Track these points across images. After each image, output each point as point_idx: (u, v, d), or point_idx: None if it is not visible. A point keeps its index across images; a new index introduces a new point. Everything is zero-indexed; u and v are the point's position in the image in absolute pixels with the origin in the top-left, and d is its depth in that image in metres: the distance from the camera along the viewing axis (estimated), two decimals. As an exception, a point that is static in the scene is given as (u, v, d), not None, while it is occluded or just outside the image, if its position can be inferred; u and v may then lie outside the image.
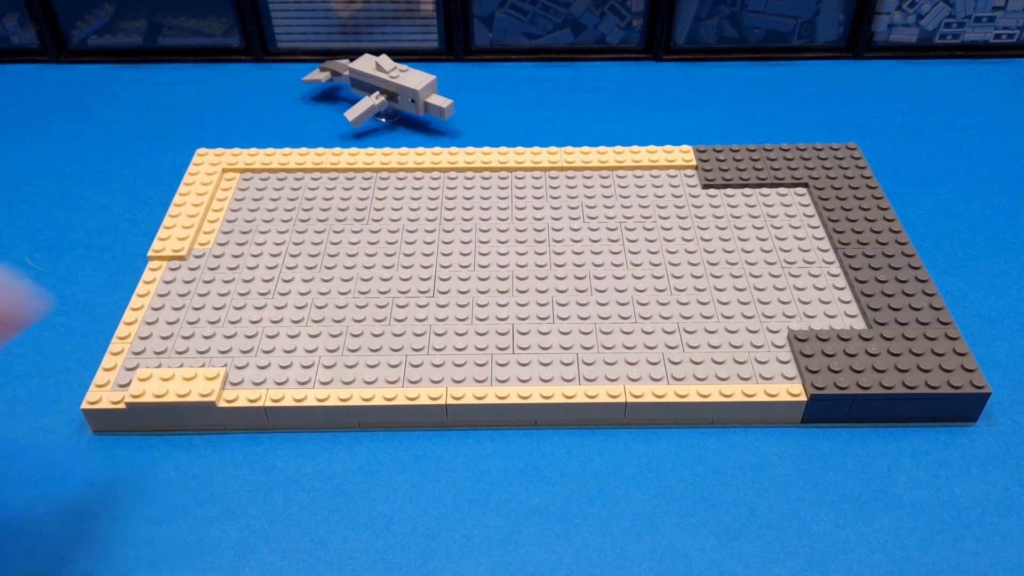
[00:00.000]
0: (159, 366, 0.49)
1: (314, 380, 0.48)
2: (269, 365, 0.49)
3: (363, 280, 0.55)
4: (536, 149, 0.65)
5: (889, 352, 0.48)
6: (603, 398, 0.47)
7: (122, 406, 0.47)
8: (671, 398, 0.47)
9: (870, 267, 0.54)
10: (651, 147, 0.65)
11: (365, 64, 0.74)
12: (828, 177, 0.62)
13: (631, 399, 0.47)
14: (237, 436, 0.48)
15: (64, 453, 0.47)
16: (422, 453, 0.47)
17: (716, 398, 0.47)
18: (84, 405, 0.47)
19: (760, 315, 0.52)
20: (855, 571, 0.41)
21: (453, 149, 0.65)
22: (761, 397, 0.47)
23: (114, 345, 0.50)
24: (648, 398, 0.47)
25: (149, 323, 0.52)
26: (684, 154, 0.64)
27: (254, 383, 0.48)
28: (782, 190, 0.62)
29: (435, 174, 0.64)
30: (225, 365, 0.49)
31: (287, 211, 0.60)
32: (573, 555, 0.42)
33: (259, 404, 0.47)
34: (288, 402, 0.47)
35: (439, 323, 0.51)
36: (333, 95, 0.79)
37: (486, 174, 0.64)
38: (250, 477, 0.46)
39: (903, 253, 0.55)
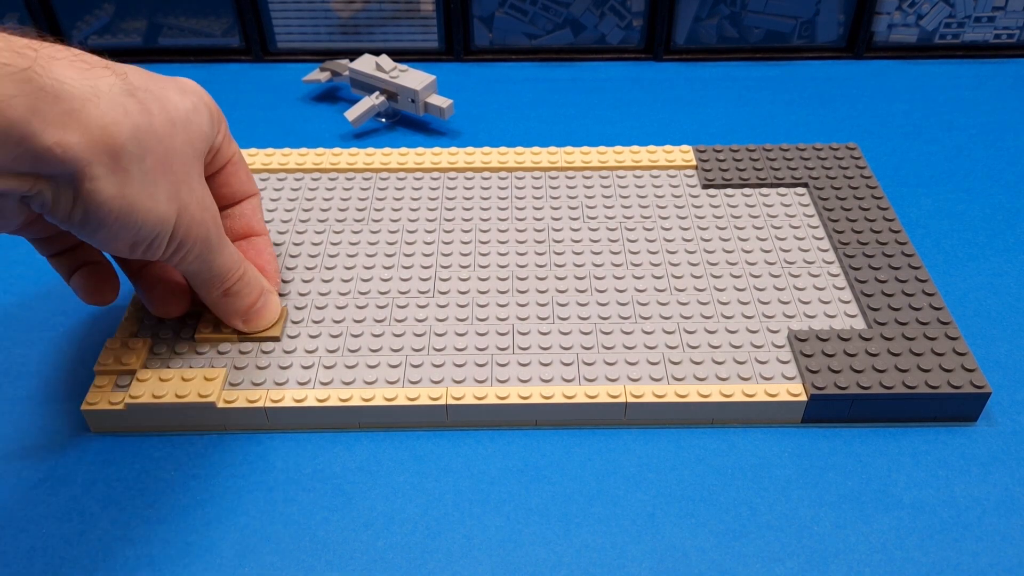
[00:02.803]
0: (159, 367, 0.49)
1: (314, 380, 0.48)
2: (269, 365, 0.49)
3: (363, 280, 0.55)
4: (536, 149, 0.65)
5: (889, 352, 0.48)
6: (603, 398, 0.47)
7: (122, 407, 0.47)
8: (671, 398, 0.47)
9: (870, 267, 0.54)
10: (651, 147, 0.65)
11: (365, 64, 0.74)
12: (828, 177, 0.62)
13: (631, 399, 0.47)
14: (237, 436, 0.48)
15: (64, 453, 0.47)
16: (422, 453, 0.47)
17: (716, 398, 0.47)
18: (84, 406, 0.47)
19: (760, 315, 0.52)
20: (855, 571, 0.41)
21: (453, 149, 0.65)
22: (761, 397, 0.47)
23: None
24: (648, 398, 0.47)
25: (149, 324, 0.52)
26: (684, 154, 0.64)
27: (254, 383, 0.48)
28: (782, 190, 0.62)
29: (435, 174, 0.64)
30: (225, 366, 0.49)
31: (287, 211, 0.60)
32: (573, 555, 0.42)
33: (259, 404, 0.47)
34: (288, 402, 0.47)
35: (439, 323, 0.51)
36: (333, 95, 0.79)
37: (486, 174, 0.64)
38: (250, 477, 0.46)
39: (903, 253, 0.55)
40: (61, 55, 0.37)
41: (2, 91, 0.34)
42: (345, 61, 0.77)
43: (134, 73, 0.41)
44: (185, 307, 0.50)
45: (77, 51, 0.39)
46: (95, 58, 0.40)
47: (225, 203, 0.51)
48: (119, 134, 0.38)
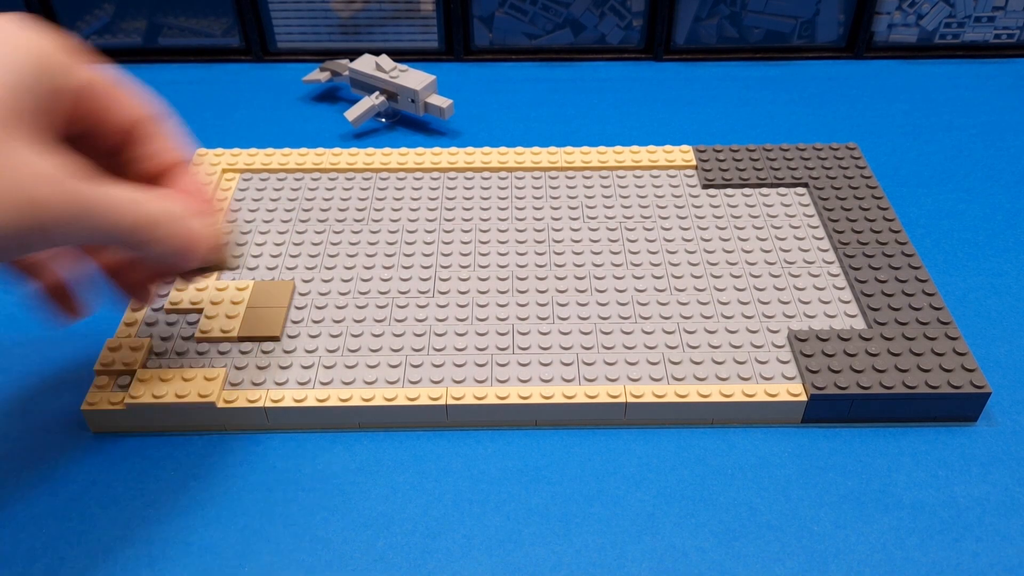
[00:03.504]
0: (159, 367, 0.49)
1: (314, 380, 0.48)
2: (269, 365, 0.49)
3: (363, 280, 0.55)
4: (536, 149, 0.65)
5: (889, 352, 0.48)
6: (603, 398, 0.47)
7: (122, 407, 0.47)
8: (671, 398, 0.47)
9: (870, 267, 0.54)
10: (651, 147, 0.65)
11: (365, 64, 0.74)
12: (828, 177, 0.62)
13: (631, 399, 0.47)
14: (237, 436, 0.48)
15: (64, 453, 0.47)
16: (422, 453, 0.47)
17: (716, 398, 0.47)
18: (84, 406, 0.47)
19: (760, 315, 0.52)
20: (855, 571, 0.41)
21: (453, 149, 0.65)
22: (761, 397, 0.47)
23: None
24: (648, 398, 0.47)
25: (149, 324, 0.52)
26: (684, 154, 0.64)
27: (254, 383, 0.48)
28: (782, 190, 0.62)
29: (435, 174, 0.64)
30: (225, 366, 0.49)
31: (287, 211, 0.60)
32: (573, 555, 0.42)
33: (259, 404, 0.47)
34: (288, 402, 0.47)
35: (439, 323, 0.51)
36: (333, 95, 0.79)
37: (486, 174, 0.64)
38: (250, 477, 0.46)
39: (903, 253, 0.55)
40: None
41: None
42: (345, 61, 0.77)
43: None
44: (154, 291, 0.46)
45: None
46: None
47: (114, 140, 0.41)
48: None
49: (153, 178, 0.42)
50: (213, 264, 0.43)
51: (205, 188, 0.43)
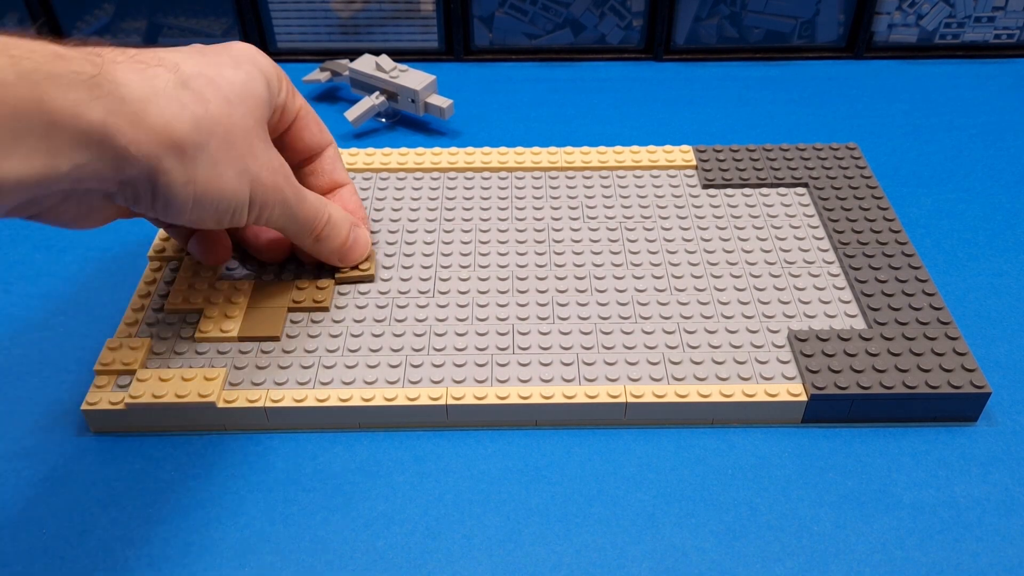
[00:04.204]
0: (159, 367, 0.49)
1: (314, 380, 0.48)
2: (269, 365, 0.49)
3: (363, 280, 0.55)
4: (536, 149, 0.65)
5: (889, 352, 0.48)
6: (603, 398, 0.47)
7: (122, 407, 0.47)
8: (671, 398, 0.47)
9: (870, 267, 0.54)
10: (651, 147, 0.65)
11: (365, 64, 0.74)
12: (828, 177, 0.62)
13: (631, 399, 0.47)
14: (237, 436, 0.48)
15: (64, 453, 0.47)
16: (422, 453, 0.47)
17: (716, 398, 0.47)
18: (84, 406, 0.47)
19: (760, 315, 0.52)
20: (855, 571, 0.41)
21: (453, 149, 0.65)
22: (761, 397, 0.47)
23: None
24: (648, 398, 0.47)
25: (149, 324, 0.52)
26: (684, 154, 0.64)
27: (254, 383, 0.48)
28: (782, 190, 0.62)
29: (435, 174, 0.64)
30: (225, 365, 0.49)
31: (287, 211, 0.60)
32: (573, 555, 0.42)
33: (259, 404, 0.47)
34: (288, 402, 0.47)
35: (439, 323, 0.51)
36: (333, 95, 0.79)
37: (486, 174, 0.64)
38: (250, 477, 0.46)
39: (903, 253, 0.55)
40: (120, 59, 0.39)
41: (79, 96, 0.36)
42: (345, 61, 0.77)
43: (186, 60, 0.43)
44: (288, 252, 0.55)
45: (132, 52, 0.40)
46: (149, 55, 0.41)
47: (302, 157, 0.53)
48: (180, 128, 0.40)
49: (323, 193, 0.54)
50: (359, 271, 0.53)
51: (363, 208, 0.56)
